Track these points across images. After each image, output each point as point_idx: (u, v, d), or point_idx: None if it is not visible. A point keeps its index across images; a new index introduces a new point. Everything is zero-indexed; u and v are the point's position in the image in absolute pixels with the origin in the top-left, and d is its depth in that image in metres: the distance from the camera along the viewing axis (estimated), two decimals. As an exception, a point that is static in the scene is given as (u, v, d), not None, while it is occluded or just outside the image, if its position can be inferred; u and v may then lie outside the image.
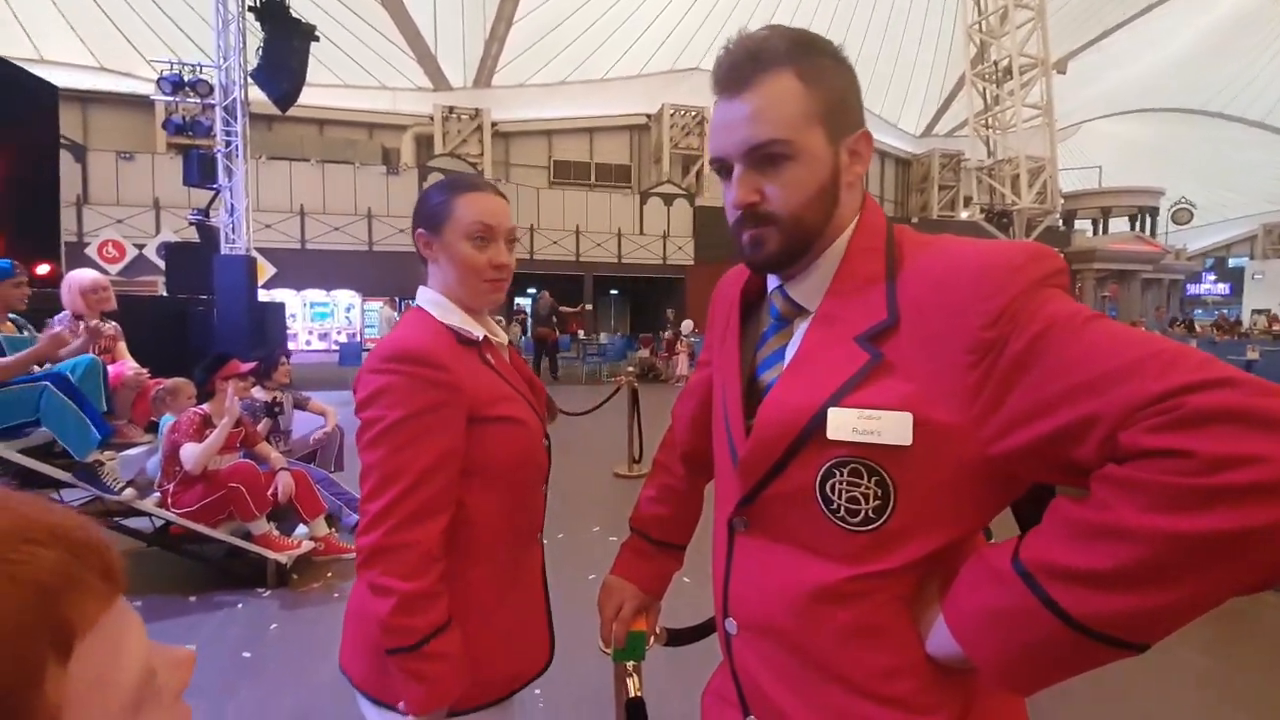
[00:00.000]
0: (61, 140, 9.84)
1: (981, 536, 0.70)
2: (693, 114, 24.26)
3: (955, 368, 0.59)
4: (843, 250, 0.69)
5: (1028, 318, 0.56)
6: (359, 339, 16.12)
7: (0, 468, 2.76)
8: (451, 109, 22.84)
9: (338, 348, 15.04)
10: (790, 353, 0.71)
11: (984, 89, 21.50)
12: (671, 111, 24.19)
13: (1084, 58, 31.21)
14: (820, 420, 0.64)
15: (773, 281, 0.76)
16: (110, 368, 3.26)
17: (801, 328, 0.71)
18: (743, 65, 0.66)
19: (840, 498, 0.64)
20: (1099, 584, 0.49)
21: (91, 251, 12.68)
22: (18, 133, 8.18)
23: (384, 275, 17.21)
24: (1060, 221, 24.71)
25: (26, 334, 2.90)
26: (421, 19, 23.01)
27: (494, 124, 23.47)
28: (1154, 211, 26.69)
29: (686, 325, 14.50)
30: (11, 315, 2.88)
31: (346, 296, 18.10)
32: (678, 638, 1.12)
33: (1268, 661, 2.54)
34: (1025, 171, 20.38)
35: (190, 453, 2.97)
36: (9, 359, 2.67)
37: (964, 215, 26.39)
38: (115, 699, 0.30)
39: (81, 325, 3.08)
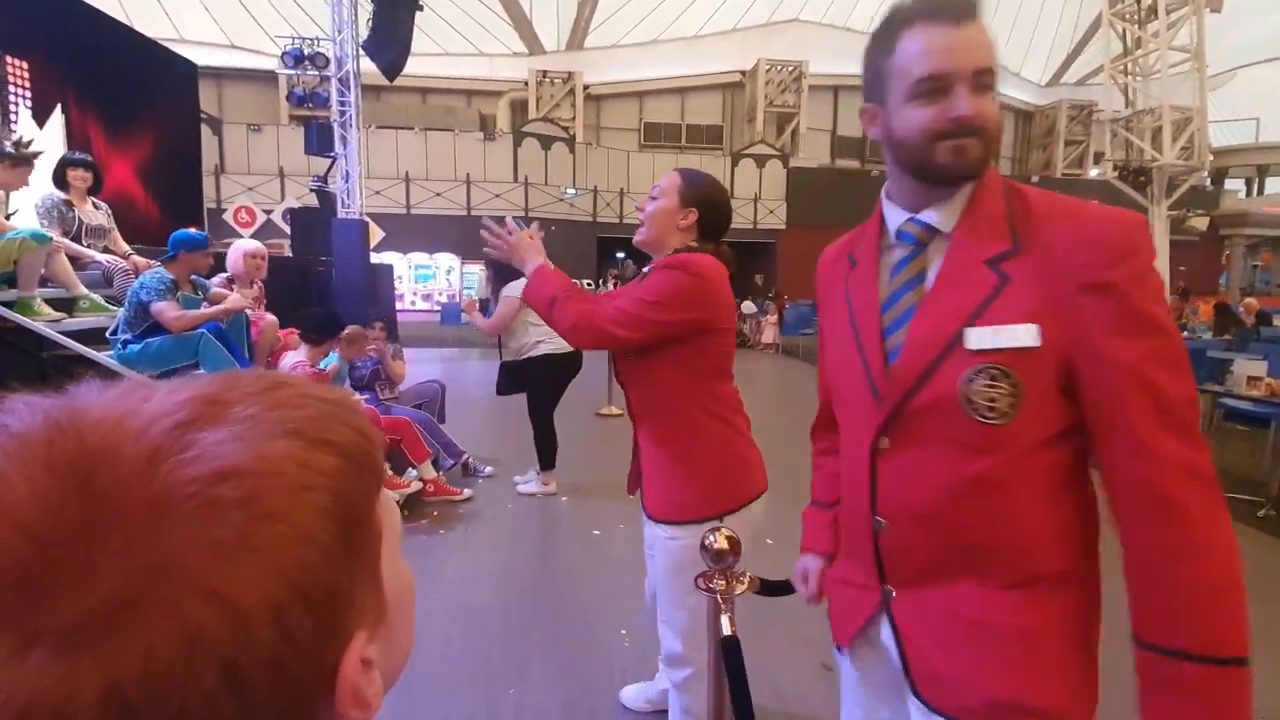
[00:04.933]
0: (200, 114, 10.80)
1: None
2: (790, 69, 23.18)
3: (1066, 296, 0.74)
4: (972, 187, 0.82)
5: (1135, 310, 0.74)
6: (459, 300, 16.91)
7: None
8: (545, 73, 23.04)
9: (439, 308, 15.85)
10: (931, 275, 0.83)
11: (1124, 30, 19.06)
12: (768, 67, 23.23)
13: (1252, -12, 27.03)
14: (960, 336, 0.77)
15: (895, 218, 0.87)
16: (254, 323, 3.66)
17: (939, 252, 0.83)
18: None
19: (980, 399, 0.76)
20: None
21: (228, 217, 13.94)
22: (166, 108, 9.06)
23: (481, 239, 17.84)
24: (1208, 181, 21.88)
25: (200, 294, 3.35)
26: (517, -18, 23.18)
27: (586, 87, 23.48)
28: (1327, 168, 23.13)
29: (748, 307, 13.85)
30: (192, 276, 3.34)
31: (447, 259, 19.00)
32: (771, 588, 1.19)
33: None
34: (1169, 124, 18.04)
35: None
36: (194, 313, 3.16)
37: (1094, 173, 23.88)
38: (395, 539, 0.37)
39: (234, 288, 3.47)
